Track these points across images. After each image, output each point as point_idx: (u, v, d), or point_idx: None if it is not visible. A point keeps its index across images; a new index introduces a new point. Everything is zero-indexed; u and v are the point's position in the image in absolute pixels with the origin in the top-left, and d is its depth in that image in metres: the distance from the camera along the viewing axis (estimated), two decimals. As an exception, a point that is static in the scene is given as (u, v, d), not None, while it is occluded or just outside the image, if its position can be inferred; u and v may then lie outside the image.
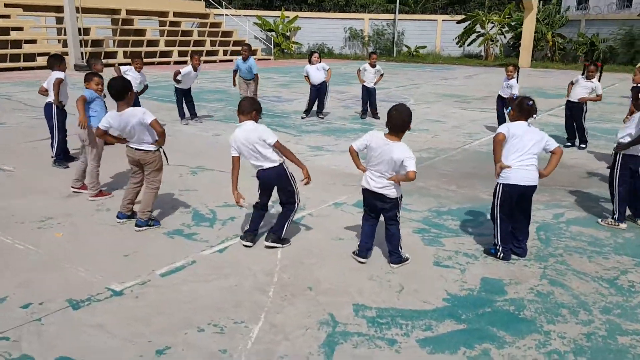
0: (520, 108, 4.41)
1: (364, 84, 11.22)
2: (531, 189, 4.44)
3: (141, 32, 25.42)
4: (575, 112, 8.89)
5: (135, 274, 4.08)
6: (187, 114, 10.49)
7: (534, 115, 4.50)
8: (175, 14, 28.05)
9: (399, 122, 4.08)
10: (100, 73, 6.33)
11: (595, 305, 3.84)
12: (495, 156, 4.42)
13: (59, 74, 6.76)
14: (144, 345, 3.20)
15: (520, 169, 4.36)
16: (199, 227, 5.10)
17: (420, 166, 6.49)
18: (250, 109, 4.45)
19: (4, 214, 5.29)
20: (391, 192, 4.19)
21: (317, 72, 10.99)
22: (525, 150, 4.36)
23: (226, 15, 31.18)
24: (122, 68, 9.09)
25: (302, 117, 11.22)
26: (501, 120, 10.03)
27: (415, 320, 3.59)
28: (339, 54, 33.48)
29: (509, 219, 4.51)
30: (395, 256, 4.36)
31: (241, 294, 3.84)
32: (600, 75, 8.92)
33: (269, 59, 30.42)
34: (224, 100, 13.91)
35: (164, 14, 27.55)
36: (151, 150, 4.89)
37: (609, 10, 30.53)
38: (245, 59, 10.77)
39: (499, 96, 10.28)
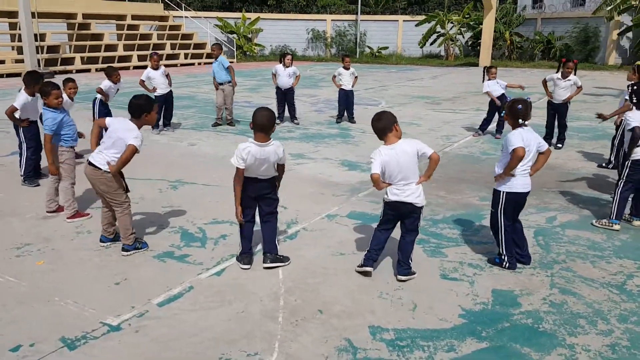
0: (512, 113, 4.32)
1: (342, 87, 11.06)
2: (527, 194, 4.41)
3: (98, 36, 24.52)
4: (561, 111, 8.95)
5: (130, 305, 3.77)
6: (161, 121, 10.08)
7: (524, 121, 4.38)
8: (134, 17, 27.21)
9: (383, 125, 4.09)
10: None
11: (611, 313, 3.79)
12: (511, 169, 4.29)
13: (23, 98, 6.26)
14: (154, 388, 2.93)
15: (521, 175, 4.31)
16: (190, 248, 4.81)
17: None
18: (271, 125, 4.11)
19: (-27, 241, 4.86)
20: (422, 200, 4.12)
21: (286, 76, 10.73)
22: (530, 157, 4.30)
23: (186, 17, 30.49)
24: (104, 87, 8.56)
25: (277, 123, 10.96)
26: (486, 125, 10.03)
27: (436, 340, 3.44)
28: (302, 56, 33.26)
29: (512, 227, 4.43)
30: (404, 267, 4.21)
31: (249, 323, 3.60)
32: (575, 72, 8.97)
33: (232, 62, 29.87)
34: (192, 106, 13.51)
35: (121, 17, 26.68)
36: (100, 169, 4.41)
37: (563, 9, 31.43)
38: (216, 58, 10.46)
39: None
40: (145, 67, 24.67)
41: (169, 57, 26.69)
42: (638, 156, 5.27)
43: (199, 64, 27.82)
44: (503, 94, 9.70)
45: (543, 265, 4.55)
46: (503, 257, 4.44)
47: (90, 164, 4.46)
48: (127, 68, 23.66)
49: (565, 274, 4.41)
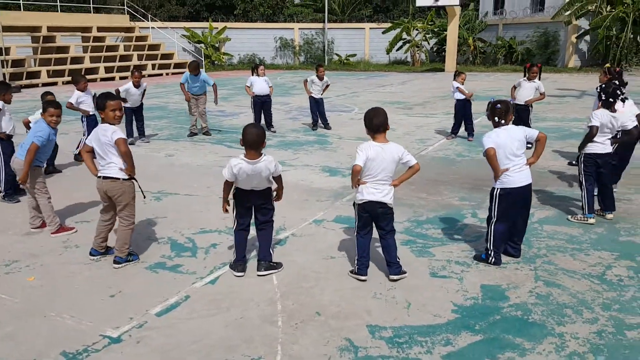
0: (492, 112, 4.53)
1: (312, 95, 11.18)
2: (529, 187, 4.56)
3: (64, 49, 24.07)
4: (522, 114, 9.25)
5: (128, 316, 3.77)
6: (135, 133, 10.00)
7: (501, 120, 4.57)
8: (99, 29, 26.78)
9: (381, 121, 4.17)
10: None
11: (595, 302, 3.98)
12: (494, 169, 4.47)
13: None
14: (162, 396, 2.95)
15: (514, 172, 4.47)
16: (182, 258, 4.81)
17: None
18: (261, 142, 4.14)
19: (-44, 260, 4.76)
20: (391, 200, 4.23)
21: (263, 83, 10.81)
22: (514, 152, 4.47)
23: (152, 28, 30.21)
24: (72, 100, 8.46)
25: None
26: (457, 127, 10.29)
27: (432, 335, 3.55)
28: (270, 64, 33.28)
29: (505, 222, 4.58)
30: (394, 266, 4.32)
31: (249, 328, 3.64)
32: (539, 76, 9.35)
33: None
34: (165, 117, 13.42)
35: (86, 29, 26.24)
36: (119, 179, 4.50)
37: (524, 14, 32.39)
38: (196, 75, 10.44)
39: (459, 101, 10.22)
40: (112, 78, 24.50)
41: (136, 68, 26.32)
42: (589, 150, 5.55)
43: (167, 74, 27.57)
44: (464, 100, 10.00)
45: (526, 260, 4.73)
46: (490, 252, 4.59)
47: (105, 178, 4.46)
48: (95, 80, 23.26)
49: (547, 267, 4.59)
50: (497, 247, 4.59)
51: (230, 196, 4.40)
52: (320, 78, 11.17)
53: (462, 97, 9.95)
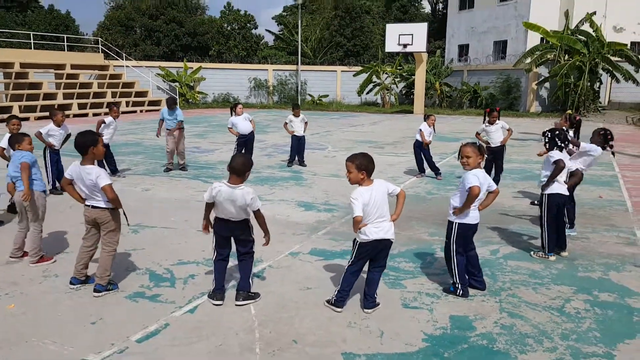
0: (480, 151, 4.83)
1: (294, 133, 11.53)
2: (477, 226, 4.91)
3: (37, 85, 24.02)
4: (497, 155, 9.72)
5: (109, 343, 3.85)
6: (107, 170, 10.07)
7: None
8: (73, 67, 26.89)
9: (371, 165, 4.44)
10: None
11: (554, 332, 4.25)
12: (469, 206, 4.74)
13: None
14: (146, 418, 3.04)
15: (472, 210, 4.80)
16: (160, 288, 4.92)
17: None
18: (245, 170, 4.40)
19: None
20: (393, 236, 4.46)
21: (244, 122, 11.15)
22: (483, 195, 4.80)
23: (127, 66, 30.45)
24: (43, 130, 8.59)
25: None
26: (420, 164, 10.72)
27: (404, 362, 3.75)
28: (245, 103, 33.71)
29: (464, 255, 4.87)
30: (370, 301, 4.52)
31: (229, 355, 3.77)
32: (499, 118, 9.91)
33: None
34: (140, 152, 13.51)
35: (60, 66, 26.33)
36: (108, 209, 4.67)
37: (487, 61, 34.01)
38: (174, 110, 10.72)
39: (418, 142, 10.72)
40: (86, 114, 24.40)
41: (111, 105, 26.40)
42: (552, 191, 5.92)
43: (141, 111, 27.68)
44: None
45: (492, 293, 5.01)
46: (457, 285, 4.85)
47: (94, 207, 4.62)
48: (68, 116, 23.13)
49: (511, 299, 4.87)
50: (462, 279, 4.85)
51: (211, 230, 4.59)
52: (296, 116, 11.59)
53: (429, 139, 10.46)
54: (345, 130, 20.04)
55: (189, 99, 31.99)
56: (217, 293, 4.61)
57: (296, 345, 3.94)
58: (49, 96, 24.17)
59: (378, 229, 4.35)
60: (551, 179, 5.90)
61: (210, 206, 4.52)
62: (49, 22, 43.94)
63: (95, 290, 4.64)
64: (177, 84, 31.95)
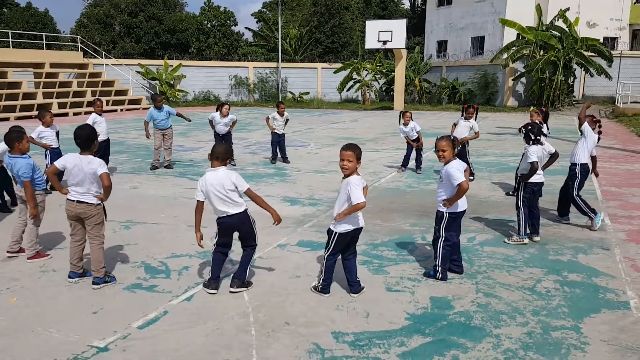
0: (453, 144, 5.17)
1: (275, 131, 11.77)
2: (464, 212, 5.25)
3: (16, 84, 23.82)
4: (460, 150, 10.08)
5: (111, 330, 4.09)
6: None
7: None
8: (52, 65, 26.71)
9: (359, 153, 4.72)
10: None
11: (526, 309, 4.61)
12: (458, 198, 5.05)
13: None
14: (153, 393, 3.30)
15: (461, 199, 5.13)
16: (157, 280, 5.16)
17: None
18: (226, 155, 4.71)
19: None
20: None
21: (223, 126, 11.36)
22: None
23: (106, 65, 30.30)
24: (34, 134, 8.69)
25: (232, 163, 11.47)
26: (407, 160, 11.05)
27: (389, 339, 4.06)
28: (226, 101, 33.80)
29: (451, 242, 5.20)
30: (355, 285, 4.83)
31: (226, 337, 4.04)
32: (476, 116, 10.31)
33: (155, 108, 29.88)
34: (124, 152, 13.63)
35: (39, 65, 26.12)
36: (93, 204, 4.86)
37: (465, 58, 34.63)
38: (160, 108, 10.84)
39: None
40: (66, 114, 24.26)
41: (90, 104, 26.28)
42: (529, 180, 6.32)
43: (122, 110, 27.59)
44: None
45: (469, 276, 5.35)
46: (438, 268, 5.19)
47: (80, 202, 4.79)
48: (46, 115, 23.05)
49: (487, 281, 5.22)
50: (444, 264, 5.19)
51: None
52: (281, 114, 11.82)
53: (414, 135, 10.75)
54: (327, 127, 20.34)
55: (169, 97, 31.94)
56: (212, 282, 4.87)
57: (289, 326, 4.23)
58: (28, 96, 23.99)
59: (357, 218, 4.66)
60: (527, 178, 6.29)
61: (200, 209, 4.71)
62: (26, 20, 43.37)
63: (93, 283, 4.86)
64: (157, 82, 31.87)
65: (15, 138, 5.37)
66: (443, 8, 38.76)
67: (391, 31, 28.04)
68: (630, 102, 27.33)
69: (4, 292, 4.77)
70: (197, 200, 4.72)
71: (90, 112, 21.65)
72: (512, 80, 30.10)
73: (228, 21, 43.85)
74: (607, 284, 5.15)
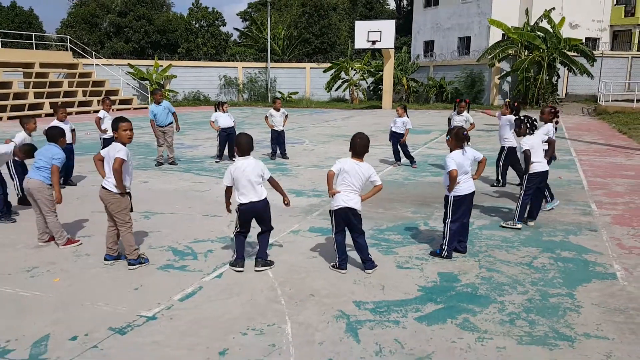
0: (457, 137, 5.65)
1: (274, 128, 12.19)
2: (472, 195, 5.72)
3: (6, 84, 23.88)
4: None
5: (155, 303, 4.50)
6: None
7: (468, 143, 5.76)
8: (42, 65, 26.78)
9: (362, 147, 5.19)
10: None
11: (525, 280, 5.12)
12: (454, 185, 5.54)
13: None
14: (205, 350, 3.73)
15: (464, 182, 5.61)
16: (186, 261, 5.57)
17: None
18: (251, 147, 5.17)
19: (-23, 268, 5.27)
20: (360, 207, 5.22)
21: (228, 118, 11.76)
22: (465, 170, 5.61)
23: (96, 65, 30.41)
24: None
25: (217, 162, 11.84)
26: (396, 154, 11.54)
27: (405, 306, 4.53)
28: (215, 101, 34.14)
29: (457, 221, 5.67)
30: (369, 262, 5.30)
31: (260, 306, 4.48)
32: (468, 109, 10.86)
33: (146, 108, 30.09)
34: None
35: (29, 65, 26.18)
36: (112, 191, 5.20)
37: (451, 57, 35.34)
38: (159, 102, 11.16)
39: (393, 133, 11.53)
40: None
41: (81, 104, 26.47)
42: (533, 170, 6.81)
43: (113, 110, 27.69)
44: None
45: (471, 255, 5.85)
46: (444, 247, 5.67)
47: (103, 187, 5.17)
48: (39, 116, 23.15)
49: (488, 259, 5.72)
50: (451, 243, 5.68)
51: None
52: (277, 109, 12.24)
53: (397, 130, 11.22)
54: (319, 126, 20.80)
55: (160, 97, 32.09)
56: (239, 261, 5.30)
57: (314, 297, 4.68)
58: (19, 96, 24.07)
59: (348, 198, 5.14)
60: (527, 169, 6.75)
61: (229, 191, 5.19)
62: (11, 19, 43.13)
63: (129, 264, 5.26)
64: (147, 82, 32.05)
65: (58, 134, 5.96)
66: (430, 9, 39.47)
67: (380, 31, 28.62)
68: (612, 101, 28.25)
69: (45, 274, 5.15)
70: (227, 186, 5.15)
71: (83, 112, 21.99)
72: (498, 79, 30.84)
73: (216, 21, 44.10)
74: (596, 260, 5.69)
